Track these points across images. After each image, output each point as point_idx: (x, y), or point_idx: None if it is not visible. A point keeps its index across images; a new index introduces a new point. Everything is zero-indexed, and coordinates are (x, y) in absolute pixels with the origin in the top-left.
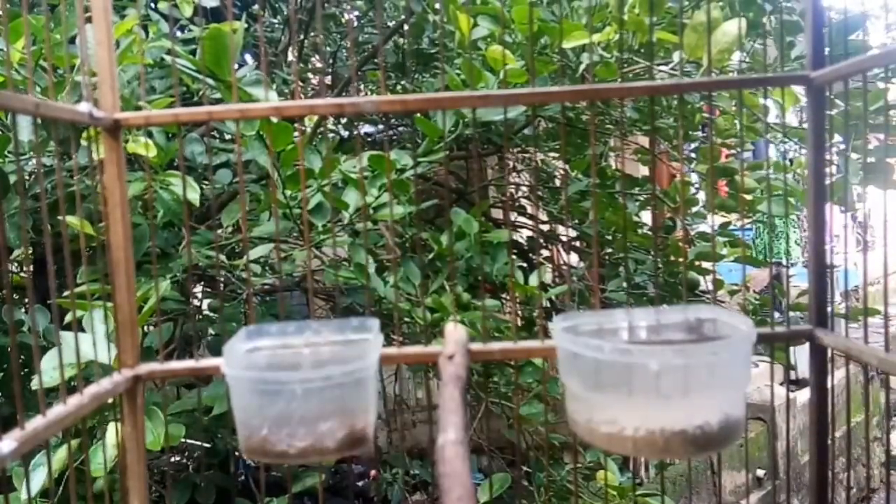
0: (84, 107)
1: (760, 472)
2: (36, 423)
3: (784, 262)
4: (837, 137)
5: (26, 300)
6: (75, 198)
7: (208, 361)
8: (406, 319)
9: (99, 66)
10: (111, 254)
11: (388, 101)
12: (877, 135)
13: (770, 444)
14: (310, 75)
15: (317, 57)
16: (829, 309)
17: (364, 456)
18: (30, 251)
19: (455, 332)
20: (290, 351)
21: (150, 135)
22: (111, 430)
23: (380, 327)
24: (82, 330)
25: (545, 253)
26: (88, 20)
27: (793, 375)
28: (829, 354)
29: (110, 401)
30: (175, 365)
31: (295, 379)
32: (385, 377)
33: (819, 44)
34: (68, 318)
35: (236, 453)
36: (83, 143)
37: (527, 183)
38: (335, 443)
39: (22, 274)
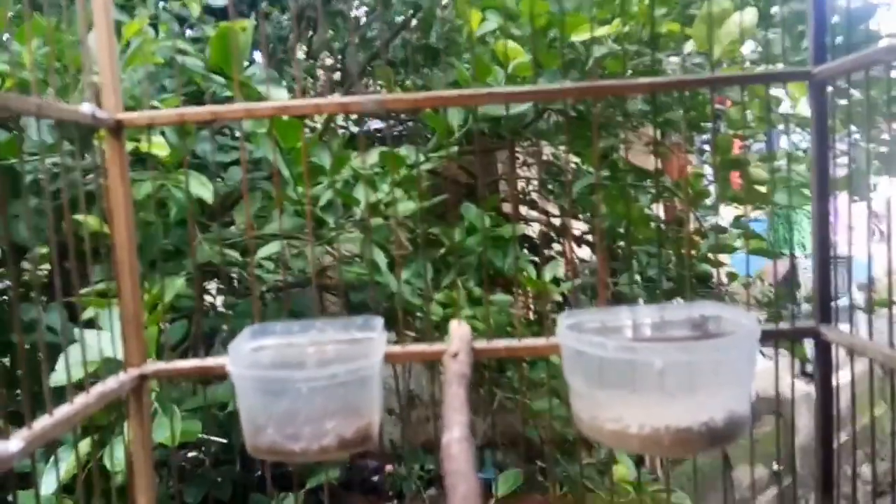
0: (87, 108)
1: (776, 467)
2: (43, 422)
3: (798, 253)
4: (848, 128)
5: (43, 298)
6: (86, 198)
7: (215, 360)
8: (418, 315)
9: (101, 68)
10: (115, 254)
11: (395, 99)
12: (886, 125)
13: (778, 440)
14: (319, 72)
15: (325, 53)
16: (833, 304)
17: (377, 451)
18: (42, 251)
19: (460, 329)
20: (294, 349)
21: (162, 134)
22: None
23: (391, 323)
24: (92, 328)
25: (557, 247)
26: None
27: (809, 368)
28: (835, 349)
29: (125, 397)
30: (181, 364)
31: (300, 377)
32: (399, 372)
33: (821, 38)
34: (84, 316)
35: None
36: (95, 143)
37: (537, 177)
38: (340, 440)
39: (35, 273)
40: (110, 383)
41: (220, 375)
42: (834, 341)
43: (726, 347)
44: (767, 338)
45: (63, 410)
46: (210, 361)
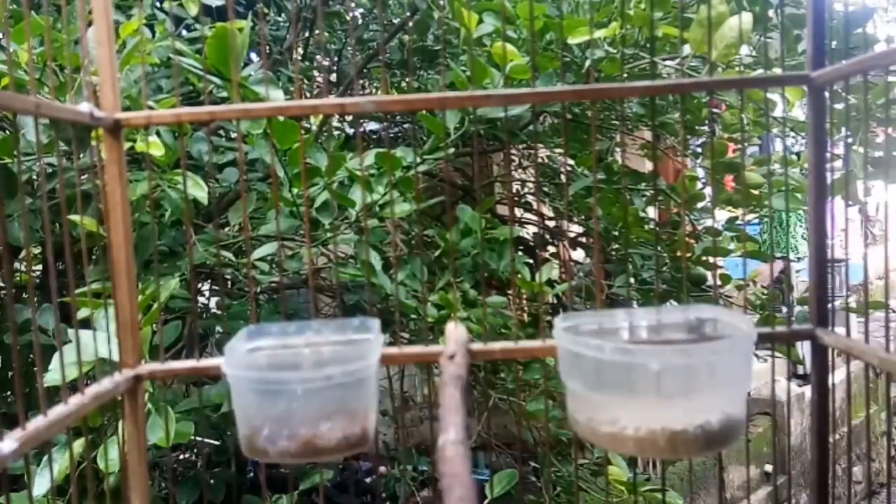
0: (85, 107)
1: (769, 468)
2: (37, 422)
3: (790, 256)
4: (844, 132)
5: (35, 299)
6: (82, 198)
7: (209, 361)
8: (413, 317)
9: (100, 66)
10: (112, 254)
11: (391, 101)
12: (882, 129)
13: (774, 442)
14: (315, 73)
15: (321, 54)
16: (829, 307)
17: (371, 453)
18: (37, 251)
19: (456, 331)
20: (290, 351)
21: (157, 133)
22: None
23: (386, 324)
24: (89, 328)
25: (552, 249)
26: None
27: (801, 370)
28: (832, 352)
29: (119, 398)
30: (176, 365)
31: (296, 379)
32: (392, 374)
33: (820, 43)
34: (78, 316)
35: None
36: (93, 143)
37: (532, 179)
38: (336, 443)
39: (30, 273)
40: (105, 384)
41: (215, 377)
42: (830, 344)
43: (723, 350)
44: (763, 340)
45: (58, 411)
46: (205, 363)
